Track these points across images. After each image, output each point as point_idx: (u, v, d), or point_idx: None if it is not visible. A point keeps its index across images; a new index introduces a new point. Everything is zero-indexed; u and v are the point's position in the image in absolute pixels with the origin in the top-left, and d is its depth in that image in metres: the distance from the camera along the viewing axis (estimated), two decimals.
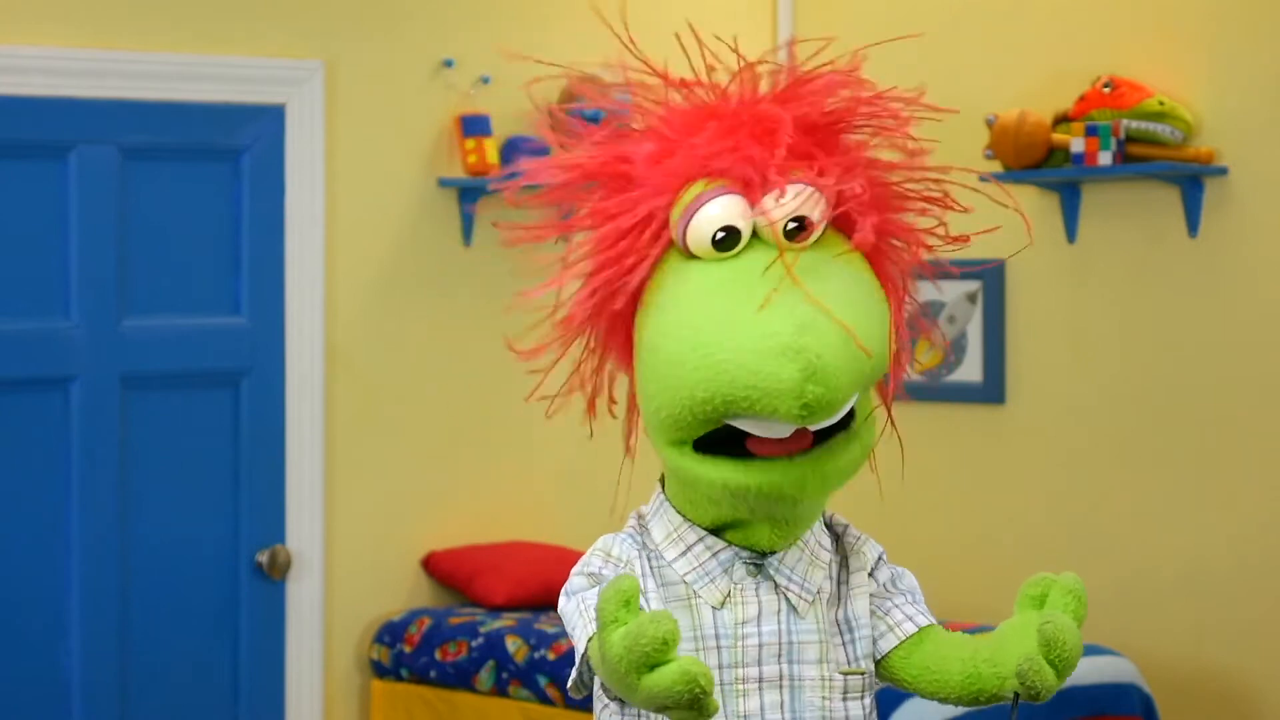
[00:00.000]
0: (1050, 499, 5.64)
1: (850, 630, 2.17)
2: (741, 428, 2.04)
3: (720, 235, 2.06)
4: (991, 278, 5.70)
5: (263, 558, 5.27)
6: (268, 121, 5.27)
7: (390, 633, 5.44)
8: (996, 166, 5.54)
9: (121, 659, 5.07)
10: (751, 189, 2.06)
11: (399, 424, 5.54)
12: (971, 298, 5.76)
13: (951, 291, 5.78)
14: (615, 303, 2.12)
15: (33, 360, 4.96)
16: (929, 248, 2.18)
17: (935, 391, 5.84)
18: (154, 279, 5.11)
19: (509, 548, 5.60)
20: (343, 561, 5.44)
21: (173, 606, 5.15)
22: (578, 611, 2.12)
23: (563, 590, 2.15)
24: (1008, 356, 5.72)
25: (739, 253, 2.07)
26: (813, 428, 2.03)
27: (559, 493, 5.79)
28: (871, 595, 2.20)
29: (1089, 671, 4.95)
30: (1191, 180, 5.33)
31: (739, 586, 2.12)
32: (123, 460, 5.06)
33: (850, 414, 2.07)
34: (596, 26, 6.42)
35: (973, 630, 5.60)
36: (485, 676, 5.27)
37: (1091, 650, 5.06)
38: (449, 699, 5.33)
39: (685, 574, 2.12)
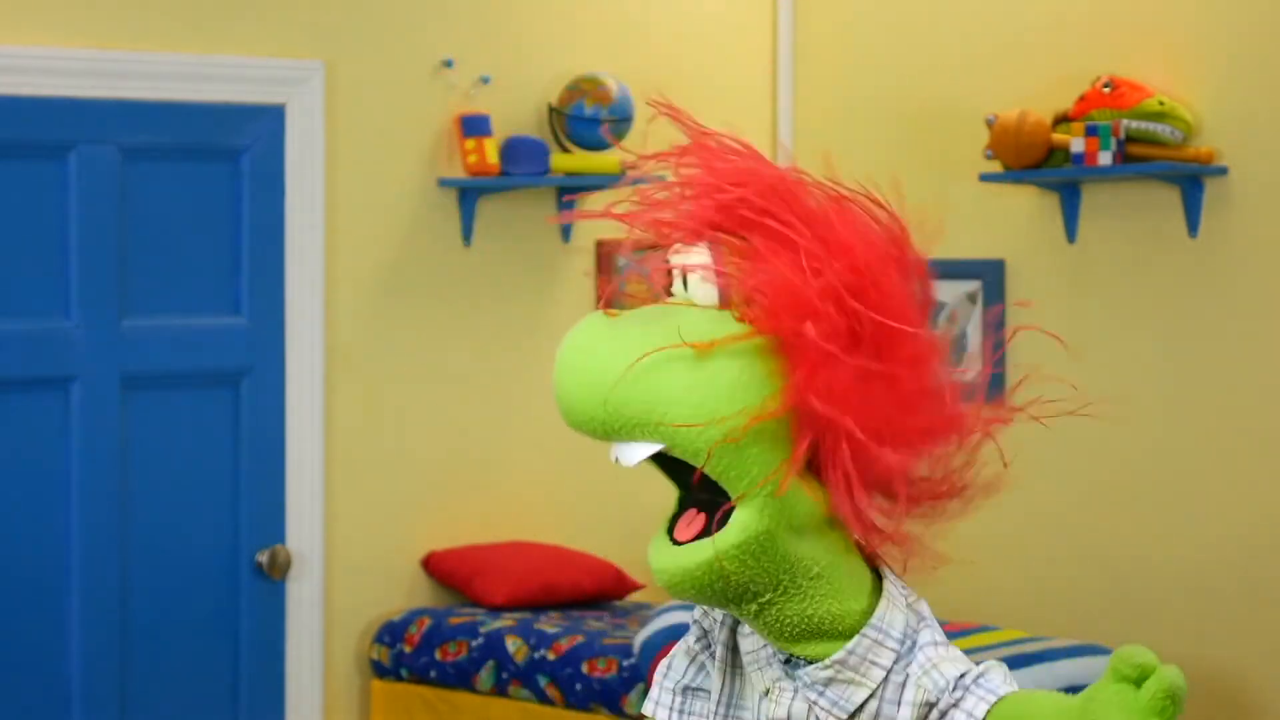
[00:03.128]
0: (1049, 499, 5.64)
1: None
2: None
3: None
4: (991, 277, 5.70)
5: (263, 558, 5.27)
6: (268, 121, 5.27)
7: (390, 633, 5.44)
8: (996, 166, 5.55)
9: (121, 659, 5.07)
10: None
11: (399, 424, 5.54)
12: (971, 298, 5.76)
13: (952, 291, 5.78)
14: None
15: (33, 360, 4.96)
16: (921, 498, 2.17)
17: None
18: (154, 279, 5.11)
19: (509, 548, 5.60)
20: (343, 561, 5.44)
21: (173, 606, 5.15)
22: (660, 669, 2.20)
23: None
24: (1008, 356, 5.72)
25: None
26: (621, 459, 2.05)
27: (559, 493, 5.79)
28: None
29: (1089, 671, 4.95)
30: (1191, 180, 5.33)
31: (777, 684, 2.08)
32: (123, 460, 5.06)
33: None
34: (596, 26, 6.43)
35: (973, 631, 5.60)
36: (485, 676, 5.27)
37: (1091, 650, 5.06)
38: (449, 699, 5.33)
39: (747, 652, 2.11)
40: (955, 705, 2.03)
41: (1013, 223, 5.69)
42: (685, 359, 1.99)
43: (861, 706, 2.05)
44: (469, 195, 5.61)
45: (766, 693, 2.08)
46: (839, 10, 6.06)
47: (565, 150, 5.71)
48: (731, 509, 2.00)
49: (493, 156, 5.54)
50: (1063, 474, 5.62)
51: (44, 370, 4.98)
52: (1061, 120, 5.46)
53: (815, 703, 2.05)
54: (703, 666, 2.16)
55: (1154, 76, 5.38)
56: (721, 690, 2.13)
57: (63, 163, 4.98)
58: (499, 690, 5.25)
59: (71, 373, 5.00)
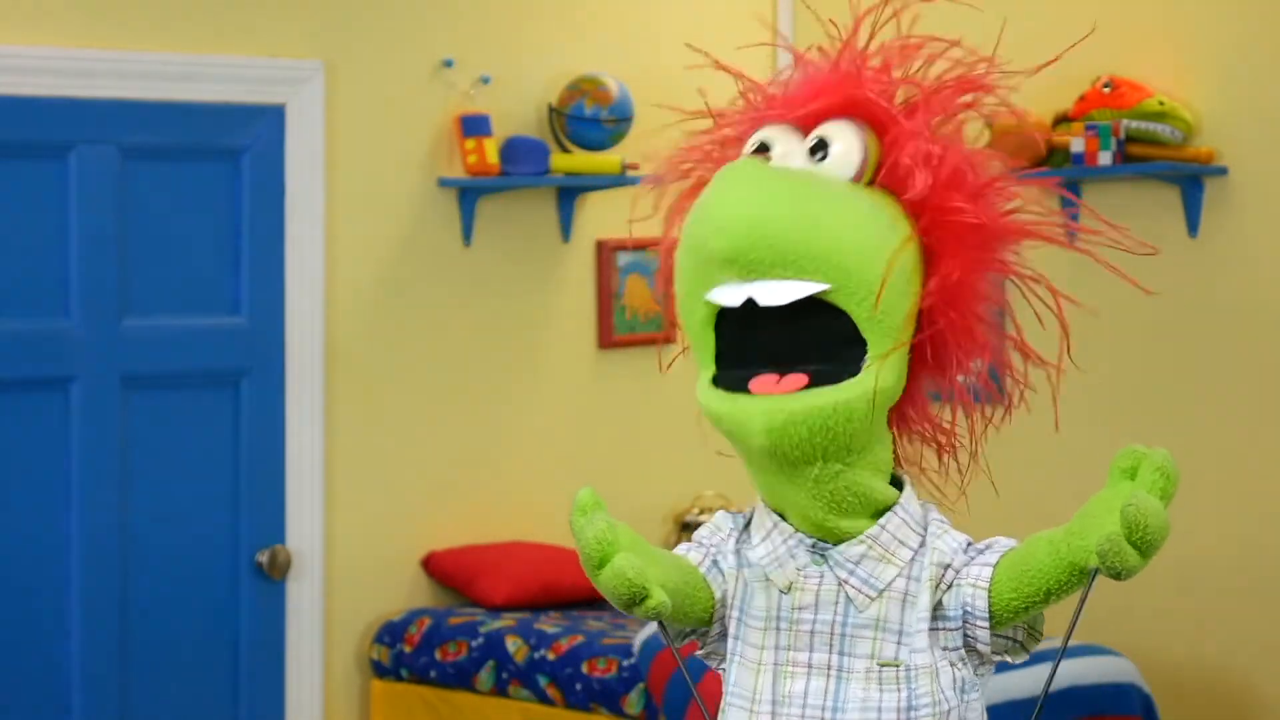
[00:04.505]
0: (1050, 499, 5.64)
1: (899, 629, 2.17)
2: (712, 299, 2.10)
3: (754, 149, 2.18)
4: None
5: (263, 558, 5.27)
6: (268, 121, 5.27)
7: (390, 633, 5.44)
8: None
9: (121, 658, 5.07)
10: (808, 128, 2.18)
11: (399, 424, 5.54)
12: None
13: None
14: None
15: (33, 360, 4.96)
16: (1038, 232, 2.28)
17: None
18: (154, 279, 5.11)
19: (509, 548, 5.61)
20: (343, 561, 5.44)
21: (173, 606, 5.15)
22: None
23: None
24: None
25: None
26: (760, 299, 2.07)
27: (559, 493, 5.79)
28: (949, 587, 2.19)
29: (1089, 671, 4.96)
30: (1191, 180, 5.33)
31: (803, 573, 2.16)
32: (123, 460, 5.06)
33: (845, 371, 2.10)
34: (596, 26, 6.43)
35: None
36: (485, 676, 5.27)
37: (1091, 650, 5.06)
38: (449, 699, 5.33)
39: (760, 558, 2.18)
40: (968, 564, 2.17)
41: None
42: (847, 199, 2.11)
43: (889, 586, 2.16)
44: (469, 195, 5.61)
45: (789, 588, 2.16)
46: (839, 11, 6.06)
47: (565, 150, 5.71)
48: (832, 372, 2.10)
49: (493, 156, 5.54)
50: (1062, 474, 5.62)
51: (44, 370, 4.98)
52: (1061, 120, 5.46)
53: (846, 581, 2.16)
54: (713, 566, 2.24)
55: (1154, 76, 5.39)
56: (734, 595, 2.21)
57: (63, 163, 4.98)
58: (499, 690, 5.25)
59: (71, 373, 5.00)
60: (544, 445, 5.74)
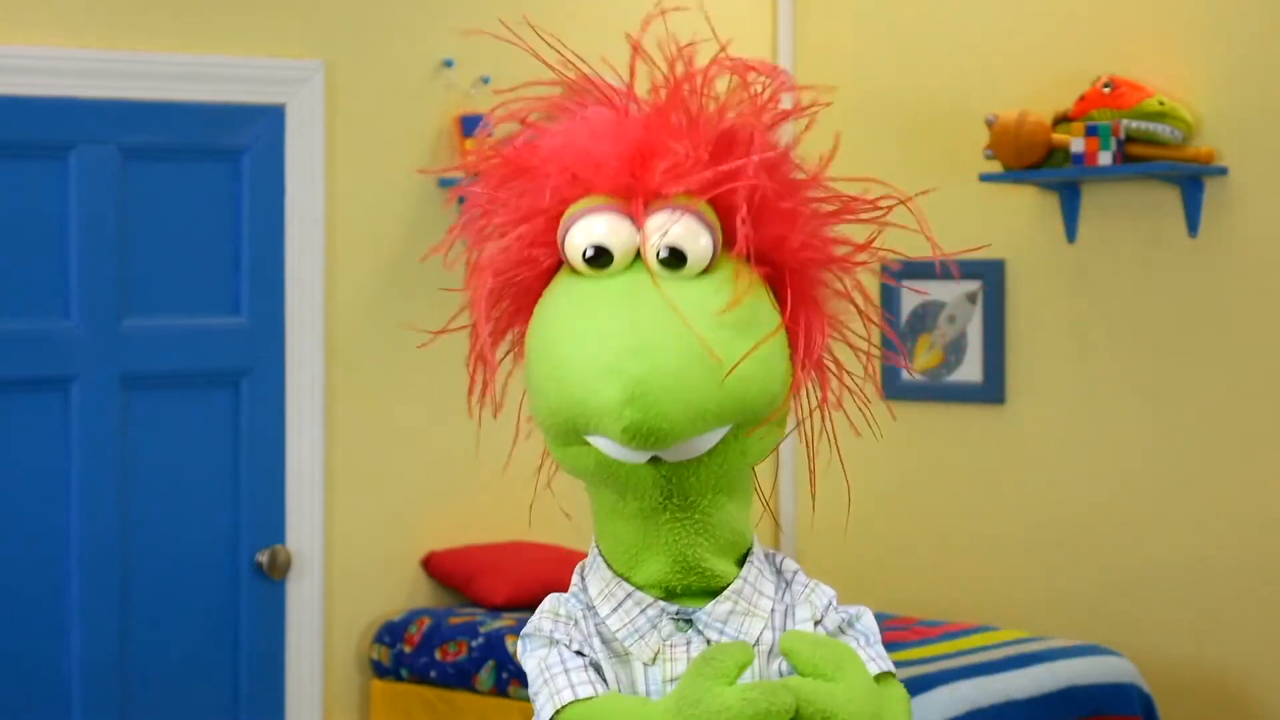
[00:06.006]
0: (1050, 499, 5.64)
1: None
2: (599, 447, 2.03)
3: (590, 253, 2.03)
4: (991, 277, 5.70)
5: (263, 558, 5.27)
6: (268, 121, 5.27)
7: (390, 633, 5.45)
8: (996, 166, 5.55)
9: (121, 659, 5.07)
10: (636, 205, 2.02)
11: (399, 424, 5.54)
12: (971, 298, 5.76)
13: (951, 291, 5.78)
14: (505, 302, 2.13)
15: (33, 360, 4.96)
16: (853, 264, 2.09)
17: (935, 391, 5.84)
18: (154, 279, 5.11)
19: (509, 548, 5.61)
20: (343, 561, 5.44)
21: (173, 606, 5.15)
22: (542, 677, 2.10)
23: (520, 649, 2.13)
24: (1008, 356, 5.73)
25: (615, 272, 2.03)
26: (668, 457, 1.99)
27: (559, 493, 5.78)
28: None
29: (1089, 671, 4.95)
30: (1191, 180, 5.33)
31: (668, 643, 2.08)
32: (123, 460, 5.06)
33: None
34: (597, 26, 6.44)
35: (973, 631, 5.59)
36: (485, 676, 5.27)
37: (1091, 650, 5.06)
38: (449, 699, 5.33)
39: (617, 630, 2.09)
40: (842, 637, 2.11)
41: (1013, 223, 5.69)
42: (742, 335, 2.00)
43: (758, 641, 2.09)
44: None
45: (654, 659, 2.08)
46: (839, 10, 6.06)
47: None
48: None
49: None
50: (1062, 474, 5.62)
51: (44, 370, 4.97)
52: (1061, 120, 5.46)
53: (718, 642, 2.06)
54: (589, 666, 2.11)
55: (1154, 76, 5.38)
56: (613, 677, 2.10)
57: (63, 163, 4.98)
58: (499, 690, 5.25)
59: (71, 373, 5.00)
60: (544, 445, 5.73)
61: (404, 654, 5.40)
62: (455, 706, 5.32)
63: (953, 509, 5.82)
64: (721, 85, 2.07)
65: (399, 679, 5.43)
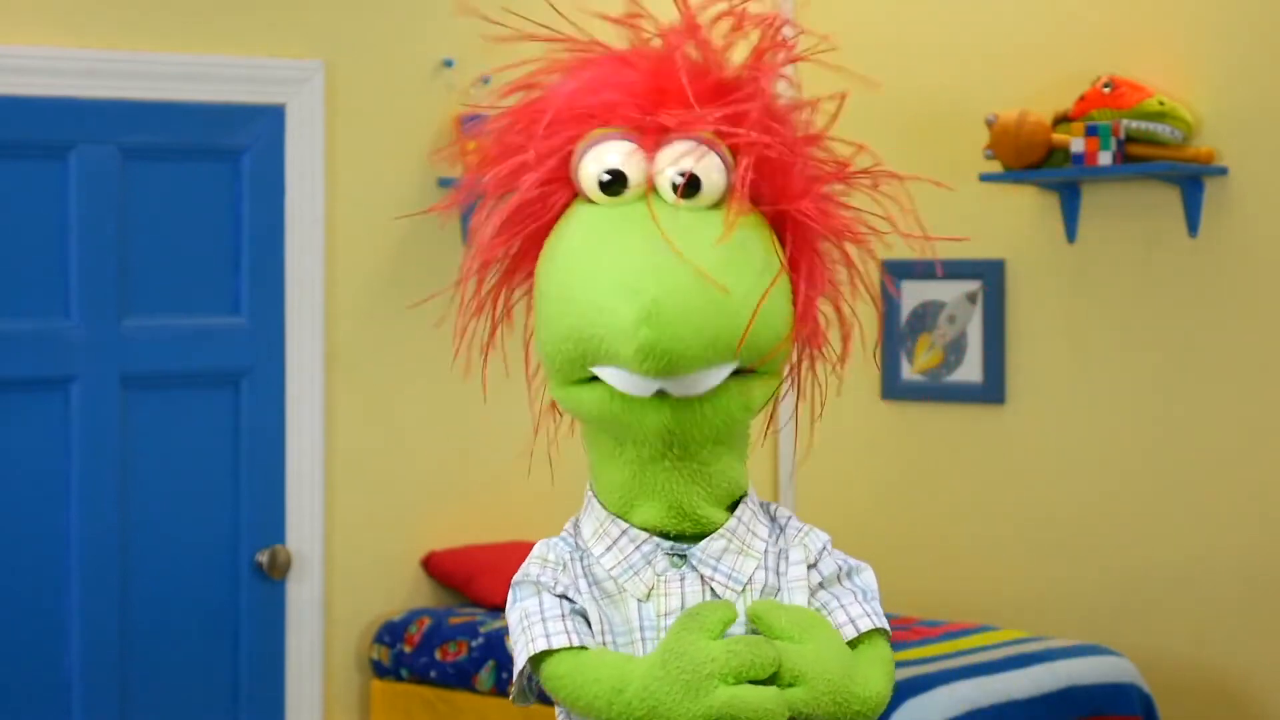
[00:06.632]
0: (1050, 499, 5.64)
1: None
2: (606, 379, 2.03)
3: (606, 179, 2.06)
4: (992, 278, 5.70)
5: (263, 558, 5.27)
6: (268, 121, 5.27)
7: (390, 633, 5.45)
8: (996, 166, 5.55)
9: (121, 659, 5.07)
10: (648, 139, 2.06)
11: (399, 424, 5.54)
12: (971, 298, 5.76)
13: (951, 291, 5.78)
14: (515, 244, 2.14)
15: (33, 360, 4.96)
16: (857, 234, 2.11)
17: (935, 391, 5.84)
18: (154, 279, 5.11)
19: (509, 548, 5.61)
20: (343, 561, 5.45)
21: (173, 606, 5.15)
22: (521, 625, 2.12)
23: (509, 600, 2.15)
24: (1008, 356, 5.73)
25: (629, 200, 2.06)
26: (673, 391, 2.00)
27: (559, 493, 5.78)
28: (814, 589, 2.14)
29: (1089, 671, 4.95)
30: (1191, 180, 5.33)
31: (662, 578, 2.10)
32: (123, 460, 5.06)
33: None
34: (596, 27, 6.41)
35: (973, 631, 5.58)
36: (485, 676, 5.27)
37: (1091, 650, 5.06)
38: (449, 699, 5.33)
39: (611, 568, 2.11)
40: (838, 585, 2.14)
41: (1013, 223, 5.69)
42: (757, 266, 2.03)
43: (750, 579, 2.11)
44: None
45: (648, 595, 2.09)
46: (838, 11, 6.06)
47: None
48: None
49: None
50: (1062, 474, 5.62)
51: (44, 370, 4.98)
52: (1061, 120, 5.46)
53: (711, 579, 2.10)
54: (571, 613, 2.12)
55: (1154, 76, 5.38)
56: (597, 621, 2.11)
57: (63, 163, 4.98)
58: (499, 690, 5.25)
59: (71, 373, 5.00)
60: (544, 445, 5.73)
61: (404, 654, 5.40)
62: (455, 706, 5.32)
63: (953, 509, 5.82)
64: (725, 32, 2.11)
65: (399, 679, 5.43)
